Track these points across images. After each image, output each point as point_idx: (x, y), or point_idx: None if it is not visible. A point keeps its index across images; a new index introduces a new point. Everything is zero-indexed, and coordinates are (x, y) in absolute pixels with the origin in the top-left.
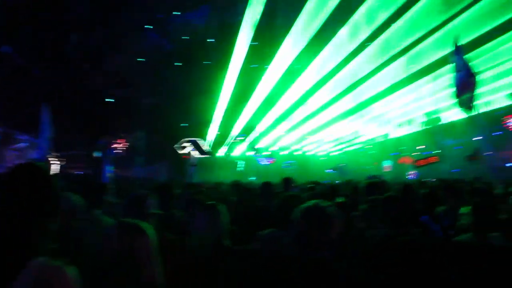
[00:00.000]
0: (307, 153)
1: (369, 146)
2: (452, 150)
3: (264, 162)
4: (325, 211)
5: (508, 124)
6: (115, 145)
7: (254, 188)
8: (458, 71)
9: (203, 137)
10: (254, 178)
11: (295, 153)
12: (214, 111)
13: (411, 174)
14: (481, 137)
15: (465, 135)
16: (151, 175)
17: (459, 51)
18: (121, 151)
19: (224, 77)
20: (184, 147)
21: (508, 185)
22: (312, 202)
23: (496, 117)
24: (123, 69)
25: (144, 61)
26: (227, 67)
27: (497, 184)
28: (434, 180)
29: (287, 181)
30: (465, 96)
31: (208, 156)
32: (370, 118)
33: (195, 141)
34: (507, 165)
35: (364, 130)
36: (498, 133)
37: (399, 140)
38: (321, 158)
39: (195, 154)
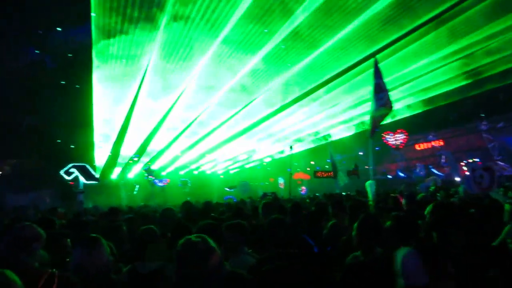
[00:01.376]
0: (207, 171)
1: (265, 163)
2: (340, 165)
3: (159, 183)
4: (198, 248)
5: (386, 139)
6: None
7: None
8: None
9: (92, 160)
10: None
11: (194, 171)
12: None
13: (303, 190)
14: (362, 153)
15: (350, 151)
16: (31, 202)
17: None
18: None
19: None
20: (71, 172)
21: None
22: (187, 237)
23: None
24: None
25: (23, 78)
26: None
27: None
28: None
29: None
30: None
31: (96, 182)
32: (264, 136)
33: (82, 166)
34: (388, 177)
35: (260, 148)
36: (377, 148)
37: (292, 156)
38: (221, 176)
39: (82, 179)
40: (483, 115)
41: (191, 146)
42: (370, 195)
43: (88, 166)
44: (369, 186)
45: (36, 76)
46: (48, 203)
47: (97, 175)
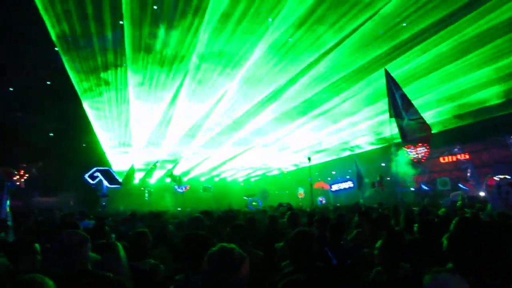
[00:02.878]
0: (228, 178)
1: (286, 172)
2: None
3: (180, 189)
4: (230, 255)
5: (407, 153)
6: (15, 177)
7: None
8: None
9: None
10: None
11: (215, 178)
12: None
13: (322, 200)
14: (384, 164)
15: (373, 162)
16: (55, 205)
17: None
18: (19, 183)
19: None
20: (95, 176)
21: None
22: (218, 245)
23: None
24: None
25: (49, 83)
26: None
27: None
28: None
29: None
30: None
31: (118, 186)
32: (285, 146)
33: (106, 170)
34: (411, 189)
35: (282, 157)
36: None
37: (313, 166)
38: (241, 183)
39: (106, 183)
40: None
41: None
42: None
43: (111, 170)
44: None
45: (63, 82)
46: (72, 206)
47: (120, 179)
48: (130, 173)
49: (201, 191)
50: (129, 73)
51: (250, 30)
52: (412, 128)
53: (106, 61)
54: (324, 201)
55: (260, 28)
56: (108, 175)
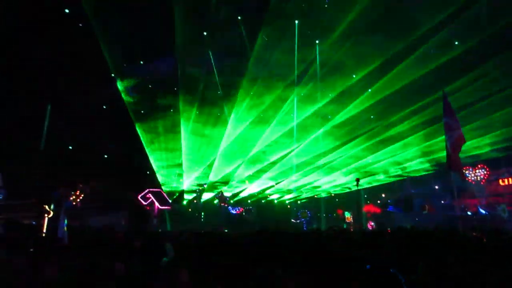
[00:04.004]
0: (275, 200)
1: (333, 195)
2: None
3: (233, 211)
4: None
5: (465, 175)
6: (72, 196)
7: None
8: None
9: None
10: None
11: (262, 200)
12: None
13: (371, 225)
14: (437, 187)
15: (425, 184)
16: (108, 224)
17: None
18: (75, 202)
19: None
20: (147, 198)
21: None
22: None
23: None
24: (84, 114)
25: (107, 108)
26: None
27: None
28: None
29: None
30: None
31: (168, 207)
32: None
33: (158, 191)
34: (468, 213)
35: (332, 180)
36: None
37: (365, 190)
38: (288, 206)
39: (157, 204)
40: None
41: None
42: None
43: (162, 192)
44: None
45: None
46: (124, 225)
47: (170, 200)
48: (181, 194)
49: (243, 214)
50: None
51: None
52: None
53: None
54: (373, 226)
55: None
56: (159, 196)
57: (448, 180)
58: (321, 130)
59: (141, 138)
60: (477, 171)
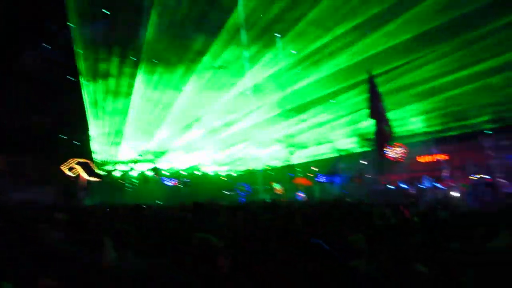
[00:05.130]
0: (209, 172)
1: (268, 168)
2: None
3: (168, 182)
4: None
5: (386, 152)
6: None
7: None
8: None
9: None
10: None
11: (196, 172)
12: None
13: (300, 195)
14: (365, 162)
15: (354, 160)
16: (34, 198)
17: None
18: None
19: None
20: (73, 168)
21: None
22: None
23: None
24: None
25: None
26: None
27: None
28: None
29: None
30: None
31: (99, 179)
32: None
33: (85, 162)
34: (390, 187)
35: (263, 152)
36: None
37: (295, 163)
38: (223, 178)
39: (85, 176)
40: (489, 132)
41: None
42: None
43: (90, 163)
44: None
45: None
46: (51, 200)
47: (99, 172)
48: (113, 165)
49: (179, 186)
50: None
51: None
52: (387, 130)
53: None
54: (302, 197)
55: None
56: (87, 167)
57: (374, 157)
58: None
59: (83, 101)
60: (396, 149)
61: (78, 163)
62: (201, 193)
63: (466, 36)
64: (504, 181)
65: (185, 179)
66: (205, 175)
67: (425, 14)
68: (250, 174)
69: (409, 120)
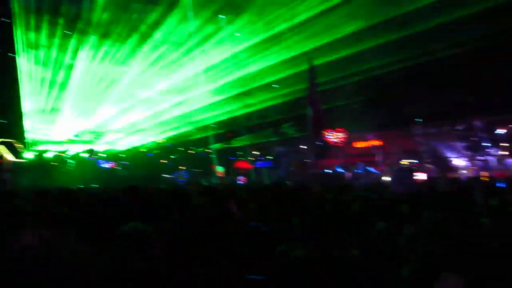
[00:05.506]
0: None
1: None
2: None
3: (105, 165)
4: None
5: (327, 136)
6: None
7: None
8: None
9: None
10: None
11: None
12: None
13: (241, 179)
14: (305, 147)
15: (294, 145)
16: None
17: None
18: None
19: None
20: None
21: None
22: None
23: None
24: None
25: None
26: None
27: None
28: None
29: None
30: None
31: (24, 160)
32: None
33: (9, 142)
34: (328, 171)
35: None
36: (320, 143)
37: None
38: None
39: (10, 157)
40: (419, 120)
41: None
42: None
43: (16, 143)
44: None
45: None
46: None
47: (27, 153)
48: (46, 145)
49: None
50: None
51: None
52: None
53: None
54: (243, 181)
55: None
56: (13, 148)
57: (312, 141)
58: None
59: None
60: (336, 133)
61: (2, 143)
62: (141, 176)
63: (408, 31)
64: (430, 166)
65: (124, 162)
66: (145, 157)
67: (370, 7)
68: (192, 157)
69: (349, 107)
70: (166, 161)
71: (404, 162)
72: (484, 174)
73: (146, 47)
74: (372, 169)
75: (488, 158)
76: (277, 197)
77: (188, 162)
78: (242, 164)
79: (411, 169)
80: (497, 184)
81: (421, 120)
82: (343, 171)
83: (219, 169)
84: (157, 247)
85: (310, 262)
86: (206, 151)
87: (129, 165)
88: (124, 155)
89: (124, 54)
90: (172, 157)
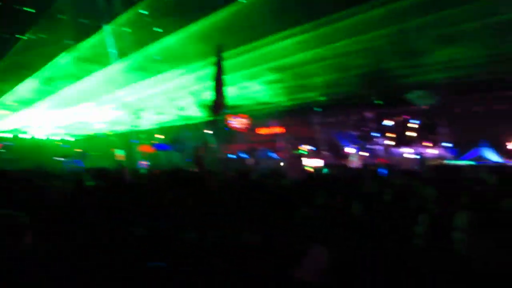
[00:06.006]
0: (41, 136)
1: (110, 133)
2: (187, 142)
3: None
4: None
5: (230, 122)
6: None
7: None
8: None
9: None
10: None
11: (21, 135)
12: None
13: (143, 164)
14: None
15: (198, 129)
16: None
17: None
18: None
19: None
20: None
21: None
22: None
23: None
24: None
25: None
26: None
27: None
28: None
29: None
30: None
31: None
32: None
33: None
34: (231, 156)
35: (106, 116)
36: (226, 129)
37: (143, 130)
38: (59, 143)
39: None
40: (319, 109)
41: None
42: None
43: None
44: None
45: None
46: None
47: None
48: None
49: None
50: None
51: None
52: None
53: None
54: (145, 165)
55: None
56: None
57: (216, 127)
58: None
59: None
60: (239, 119)
61: None
62: (27, 159)
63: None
64: (327, 153)
65: (7, 143)
66: (34, 139)
67: None
68: (91, 140)
69: (258, 92)
70: (61, 143)
71: (303, 148)
72: (372, 161)
73: None
74: (273, 155)
75: (376, 147)
76: (175, 182)
77: (88, 144)
78: (145, 148)
79: (299, 156)
80: (380, 171)
81: (320, 109)
82: (246, 156)
83: (119, 153)
84: (28, 235)
85: (202, 246)
86: (107, 133)
87: (15, 147)
88: (8, 136)
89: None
90: (69, 139)
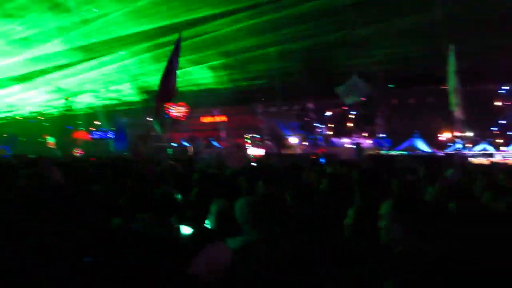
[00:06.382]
0: None
1: (42, 118)
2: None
3: None
4: None
5: (170, 111)
6: None
7: None
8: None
9: None
10: None
11: None
12: None
13: (79, 152)
14: (151, 119)
15: (139, 116)
16: None
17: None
18: None
19: None
20: None
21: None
22: None
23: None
24: None
25: None
26: None
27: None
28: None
29: None
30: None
31: None
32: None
33: None
34: (173, 145)
35: (38, 99)
36: (167, 116)
37: (77, 115)
38: None
39: None
40: (262, 99)
41: None
42: None
43: None
44: None
45: None
46: None
47: None
48: None
49: None
50: None
51: None
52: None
53: None
54: (81, 154)
55: None
56: None
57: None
58: None
59: None
60: (179, 108)
61: None
62: None
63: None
64: (269, 143)
65: None
66: None
67: None
68: (20, 124)
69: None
70: None
71: (246, 137)
72: (313, 151)
73: None
74: (216, 143)
75: (317, 137)
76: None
77: (16, 129)
78: (80, 135)
79: (239, 146)
80: (320, 160)
81: (263, 99)
82: (188, 145)
83: (50, 140)
84: None
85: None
86: (38, 118)
87: None
88: None
89: None
90: None
